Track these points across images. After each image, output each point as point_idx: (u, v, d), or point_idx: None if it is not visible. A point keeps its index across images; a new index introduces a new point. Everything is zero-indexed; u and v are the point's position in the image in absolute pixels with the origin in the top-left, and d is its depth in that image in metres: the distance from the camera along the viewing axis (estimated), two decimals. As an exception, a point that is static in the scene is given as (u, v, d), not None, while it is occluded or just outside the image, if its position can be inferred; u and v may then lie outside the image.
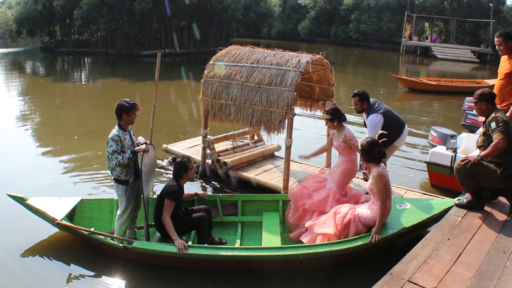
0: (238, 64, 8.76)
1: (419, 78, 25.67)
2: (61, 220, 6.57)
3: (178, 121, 16.01)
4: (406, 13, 51.95)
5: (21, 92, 22.81)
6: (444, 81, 25.53)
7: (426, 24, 61.30)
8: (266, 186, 9.00)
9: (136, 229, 6.93)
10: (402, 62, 45.96)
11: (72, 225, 6.64)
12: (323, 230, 6.28)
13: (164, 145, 11.08)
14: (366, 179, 8.10)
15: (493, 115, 6.01)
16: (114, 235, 6.49)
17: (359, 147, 6.10)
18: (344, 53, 52.81)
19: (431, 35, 60.28)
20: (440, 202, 6.62)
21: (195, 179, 9.63)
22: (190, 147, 11.03)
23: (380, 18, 58.17)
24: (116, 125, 6.33)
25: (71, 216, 7.04)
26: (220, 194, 7.70)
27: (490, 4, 50.26)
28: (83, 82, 26.98)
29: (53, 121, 16.01)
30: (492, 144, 5.80)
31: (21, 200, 6.90)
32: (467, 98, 14.92)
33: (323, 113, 7.16)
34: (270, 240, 6.69)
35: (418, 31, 56.09)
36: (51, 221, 6.69)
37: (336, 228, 6.15)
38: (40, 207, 6.80)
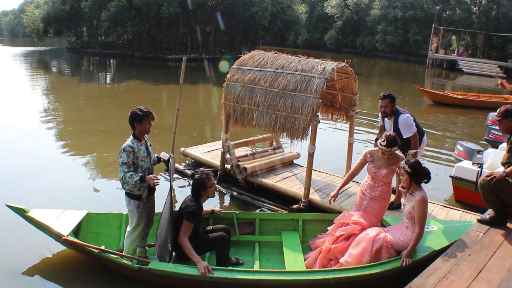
0: (262, 69, 8.71)
1: (445, 92, 25.41)
2: (67, 236, 6.05)
3: (200, 124, 16.03)
4: (433, 25, 51.54)
5: (45, 90, 23.08)
6: (471, 96, 25.20)
7: (453, 38, 60.92)
8: (286, 194, 8.91)
9: (147, 247, 6.39)
10: (428, 75, 45.60)
11: (80, 242, 6.12)
12: (346, 258, 6.01)
13: (182, 149, 11.04)
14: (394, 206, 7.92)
15: None
16: (124, 253, 6.02)
17: (408, 170, 5.69)
18: (369, 64, 52.69)
19: (458, 48, 59.84)
20: (468, 224, 6.43)
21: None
22: (208, 152, 11.00)
23: (406, 30, 57.99)
24: (131, 135, 5.84)
25: (76, 231, 6.50)
26: (237, 212, 7.31)
27: (519, 18, 49.78)
28: (107, 83, 27.20)
29: (75, 121, 16.17)
30: None
31: (21, 212, 6.28)
32: (490, 113, 14.72)
33: (385, 146, 6.11)
34: (294, 263, 6.36)
35: (445, 44, 55.71)
36: (56, 237, 6.15)
37: (357, 260, 5.91)
38: (43, 221, 6.21)
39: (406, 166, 5.71)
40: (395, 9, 59.06)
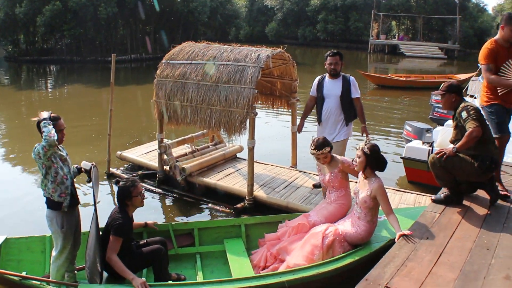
0: (193, 62, 8.17)
1: (388, 75, 25.67)
2: None
3: (140, 125, 15.50)
4: (372, 12, 52.22)
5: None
6: (414, 77, 25.68)
7: (393, 23, 61.95)
8: (230, 192, 8.47)
9: (76, 271, 5.70)
10: (371, 60, 46.10)
11: None
12: (295, 260, 5.55)
13: (119, 152, 10.36)
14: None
15: (462, 105, 5.63)
16: (49, 279, 5.29)
17: (367, 152, 5.37)
18: (312, 54, 52.76)
19: (398, 33, 60.78)
20: (422, 208, 6.08)
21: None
22: (147, 153, 10.37)
23: (347, 17, 58.36)
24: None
25: None
26: (173, 223, 6.69)
27: (456, 0, 50.82)
28: (49, 90, 26.31)
29: (15, 132, 15.17)
30: (467, 133, 5.37)
31: None
32: (434, 92, 14.90)
33: (314, 149, 6.02)
34: (241, 272, 5.79)
35: (385, 29, 56.64)
36: None
37: (308, 259, 5.48)
38: None
39: (366, 148, 5.37)
40: (335, -2, 59.38)
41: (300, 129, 8.06)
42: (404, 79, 24.47)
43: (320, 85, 7.70)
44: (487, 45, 5.99)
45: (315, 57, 49.63)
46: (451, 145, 5.83)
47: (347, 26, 58.33)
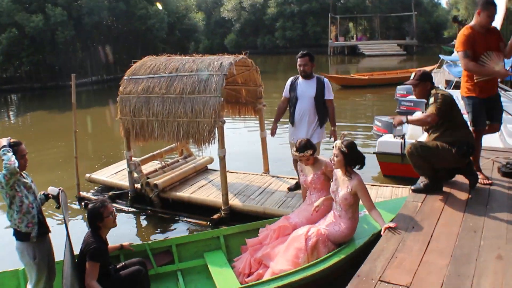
0: (156, 75, 8.01)
1: (351, 75, 25.88)
2: None
3: (109, 145, 15.15)
4: (329, 15, 52.83)
5: None
6: (377, 75, 25.91)
7: (350, 24, 62.80)
8: (204, 204, 8.29)
9: None
10: (332, 63, 46.61)
11: None
12: (280, 266, 5.41)
13: (87, 175, 10.04)
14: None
15: (433, 91, 5.64)
16: None
17: (344, 150, 5.22)
18: (273, 61, 53.05)
19: (356, 34, 61.57)
20: (402, 199, 6.05)
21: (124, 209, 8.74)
22: (116, 173, 10.08)
23: (304, 23, 58.98)
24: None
25: None
26: (150, 242, 6.46)
27: (411, -3, 51.86)
28: (11, 119, 25.79)
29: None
30: (424, 114, 5.51)
31: None
32: (398, 87, 15.37)
33: (296, 151, 5.99)
34: (226, 283, 5.61)
35: (343, 31, 57.44)
36: None
37: (293, 263, 5.35)
38: None
39: (343, 146, 5.22)
40: (291, 5, 59.89)
41: (273, 133, 7.98)
42: (367, 77, 24.75)
43: (293, 86, 7.65)
44: (464, 31, 5.89)
45: (276, 64, 50.02)
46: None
47: (305, 31, 59.00)
